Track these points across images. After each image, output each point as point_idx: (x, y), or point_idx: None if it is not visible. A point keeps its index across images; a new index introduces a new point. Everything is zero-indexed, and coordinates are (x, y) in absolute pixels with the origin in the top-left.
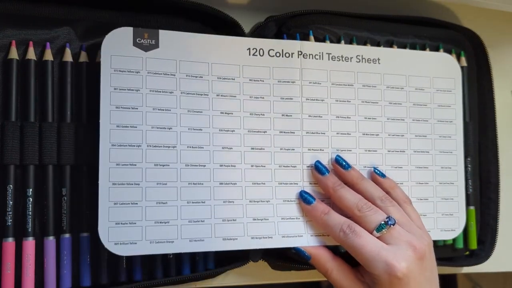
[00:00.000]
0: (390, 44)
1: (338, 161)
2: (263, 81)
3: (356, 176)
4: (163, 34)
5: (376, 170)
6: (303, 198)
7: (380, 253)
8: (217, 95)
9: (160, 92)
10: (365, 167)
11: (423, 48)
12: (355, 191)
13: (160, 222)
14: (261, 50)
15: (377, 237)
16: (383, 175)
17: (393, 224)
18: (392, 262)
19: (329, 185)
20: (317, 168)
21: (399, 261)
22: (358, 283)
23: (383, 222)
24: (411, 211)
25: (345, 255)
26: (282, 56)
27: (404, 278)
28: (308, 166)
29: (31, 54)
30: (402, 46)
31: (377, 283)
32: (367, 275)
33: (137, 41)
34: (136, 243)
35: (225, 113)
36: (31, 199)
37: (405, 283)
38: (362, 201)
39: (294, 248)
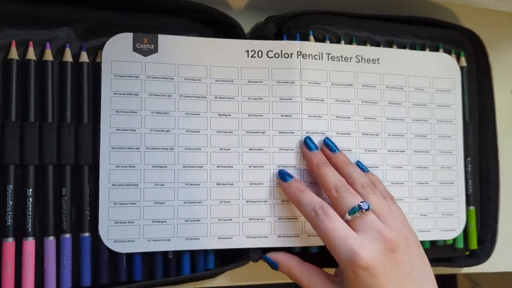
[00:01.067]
0: (390, 44)
1: (327, 143)
2: (262, 82)
3: (342, 160)
4: (162, 38)
5: (360, 163)
6: (281, 175)
7: (347, 240)
8: (215, 98)
9: (158, 95)
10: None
11: (423, 48)
12: (340, 174)
13: (158, 221)
14: (259, 52)
15: (348, 221)
16: (366, 169)
17: (367, 210)
18: (357, 250)
19: (314, 161)
20: (306, 143)
21: (364, 250)
22: (329, 285)
23: (356, 206)
24: (394, 207)
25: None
26: (281, 57)
27: (369, 268)
28: (308, 166)
29: (31, 54)
30: (402, 46)
31: (344, 274)
32: (340, 273)
33: (137, 46)
34: (134, 241)
35: (223, 115)
36: (31, 199)
37: (372, 275)
38: (342, 182)
39: (262, 257)
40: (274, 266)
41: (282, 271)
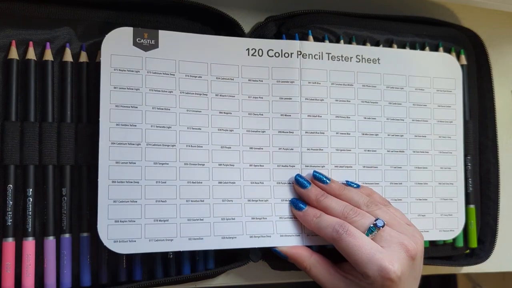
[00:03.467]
0: (389, 43)
1: (316, 177)
2: (262, 81)
3: (337, 188)
4: (163, 34)
5: (349, 182)
6: (294, 204)
7: (374, 256)
8: (216, 95)
9: (159, 91)
10: (365, 167)
11: (422, 46)
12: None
13: (159, 220)
14: (260, 50)
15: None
16: (357, 185)
17: (382, 226)
18: (387, 266)
19: (312, 197)
20: (298, 182)
21: (394, 264)
22: (338, 278)
23: (372, 225)
24: (395, 211)
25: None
26: (281, 56)
27: (397, 279)
28: (307, 166)
29: (31, 54)
30: (402, 44)
31: (369, 284)
32: (353, 273)
33: (137, 41)
34: (135, 241)
35: (224, 112)
36: (31, 199)
37: (397, 284)
38: (347, 207)
39: (271, 249)
40: (284, 258)
41: (292, 262)
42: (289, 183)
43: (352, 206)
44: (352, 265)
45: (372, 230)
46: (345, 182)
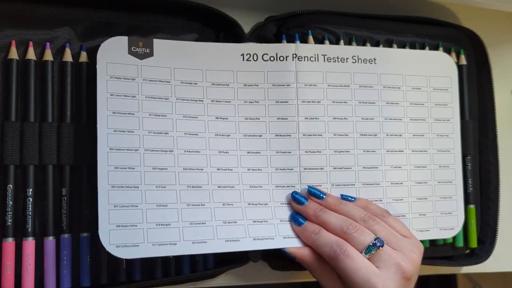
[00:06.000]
0: (389, 43)
1: (312, 193)
2: (257, 85)
3: (333, 202)
4: (157, 43)
5: (344, 196)
6: (294, 219)
7: (370, 280)
8: (212, 101)
9: (155, 98)
10: (364, 168)
11: (422, 46)
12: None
13: (162, 225)
14: (255, 55)
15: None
16: (353, 199)
17: (381, 246)
18: None
19: (310, 212)
20: (294, 199)
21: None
22: (338, 286)
23: (371, 244)
24: (394, 222)
25: None
26: (277, 60)
27: None
28: (305, 168)
29: (31, 54)
30: (402, 44)
31: None
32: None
33: (132, 49)
34: (138, 246)
35: (220, 118)
36: (31, 199)
37: None
38: (346, 221)
39: (280, 250)
40: (291, 259)
41: (299, 262)
42: (288, 186)
43: (351, 220)
44: (348, 286)
45: (370, 250)
46: (339, 196)
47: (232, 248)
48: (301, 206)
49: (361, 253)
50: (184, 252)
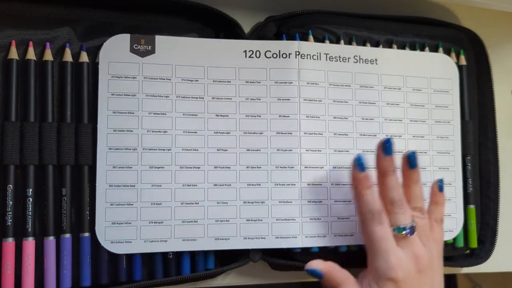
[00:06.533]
0: (389, 43)
1: (409, 159)
2: (259, 82)
3: (414, 178)
4: (160, 39)
5: (441, 182)
6: (359, 162)
7: (388, 252)
8: (213, 98)
9: (156, 96)
10: None
11: (422, 47)
12: (405, 187)
13: (155, 222)
14: (257, 52)
15: (394, 235)
16: (441, 189)
17: (411, 234)
18: (394, 265)
19: (384, 167)
20: (385, 147)
21: (400, 266)
22: None
23: (403, 227)
24: (438, 231)
25: (345, 255)
26: (279, 57)
27: (397, 282)
28: (306, 167)
29: (31, 54)
30: (402, 45)
31: (369, 279)
32: (362, 278)
33: (134, 47)
34: (131, 242)
35: (221, 115)
36: (31, 199)
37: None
38: (399, 197)
39: (307, 270)
40: (319, 277)
41: (326, 279)
42: (288, 184)
43: (404, 200)
44: (367, 252)
45: (400, 231)
46: (439, 180)
47: (221, 247)
48: (386, 156)
49: (391, 227)
50: (174, 249)
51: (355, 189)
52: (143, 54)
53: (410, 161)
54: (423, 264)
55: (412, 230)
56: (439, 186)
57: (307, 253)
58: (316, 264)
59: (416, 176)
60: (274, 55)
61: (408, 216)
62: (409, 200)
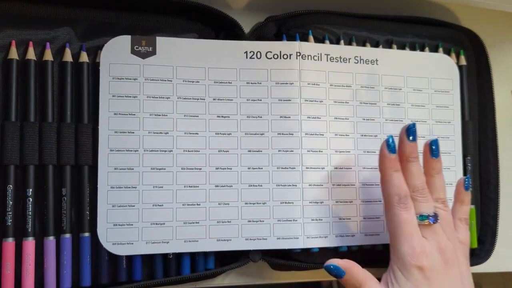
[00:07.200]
0: (389, 44)
1: (431, 147)
2: (260, 83)
3: (436, 168)
4: (160, 40)
5: (467, 180)
6: (388, 144)
7: (413, 237)
8: (214, 99)
9: (157, 97)
10: (364, 168)
11: (422, 47)
12: (427, 176)
13: (156, 224)
14: (258, 53)
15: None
16: (467, 188)
17: (434, 223)
18: (418, 250)
19: (407, 152)
20: (409, 132)
21: (424, 252)
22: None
23: (426, 215)
24: (463, 229)
25: (345, 255)
26: (280, 58)
27: (424, 269)
28: (307, 168)
29: (31, 54)
30: (401, 45)
31: (395, 272)
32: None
33: (135, 48)
34: (132, 243)
35: (222, 116)
36: (31, 199)
37: (425, 276)
38: (422, 185)
39: (329, 266)
40: (341, 275)
41: (346, 278)
42: (289, 185)
43: (427, 190)
44: (390, 239)
45: (423, 219)
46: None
47: (223, 248)
48: (408, 142)
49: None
50: (176, 250)
51: (382, 171)
52: (144, 55)
53: (433, 149)
54: (448, 257)
55: (436, 218)
56: (465, 185)
57: (307, 253)
58: (337, 262)
59: (439, 166)
60: (275, 56)
61: (431, 206)
62: (431, 190)
